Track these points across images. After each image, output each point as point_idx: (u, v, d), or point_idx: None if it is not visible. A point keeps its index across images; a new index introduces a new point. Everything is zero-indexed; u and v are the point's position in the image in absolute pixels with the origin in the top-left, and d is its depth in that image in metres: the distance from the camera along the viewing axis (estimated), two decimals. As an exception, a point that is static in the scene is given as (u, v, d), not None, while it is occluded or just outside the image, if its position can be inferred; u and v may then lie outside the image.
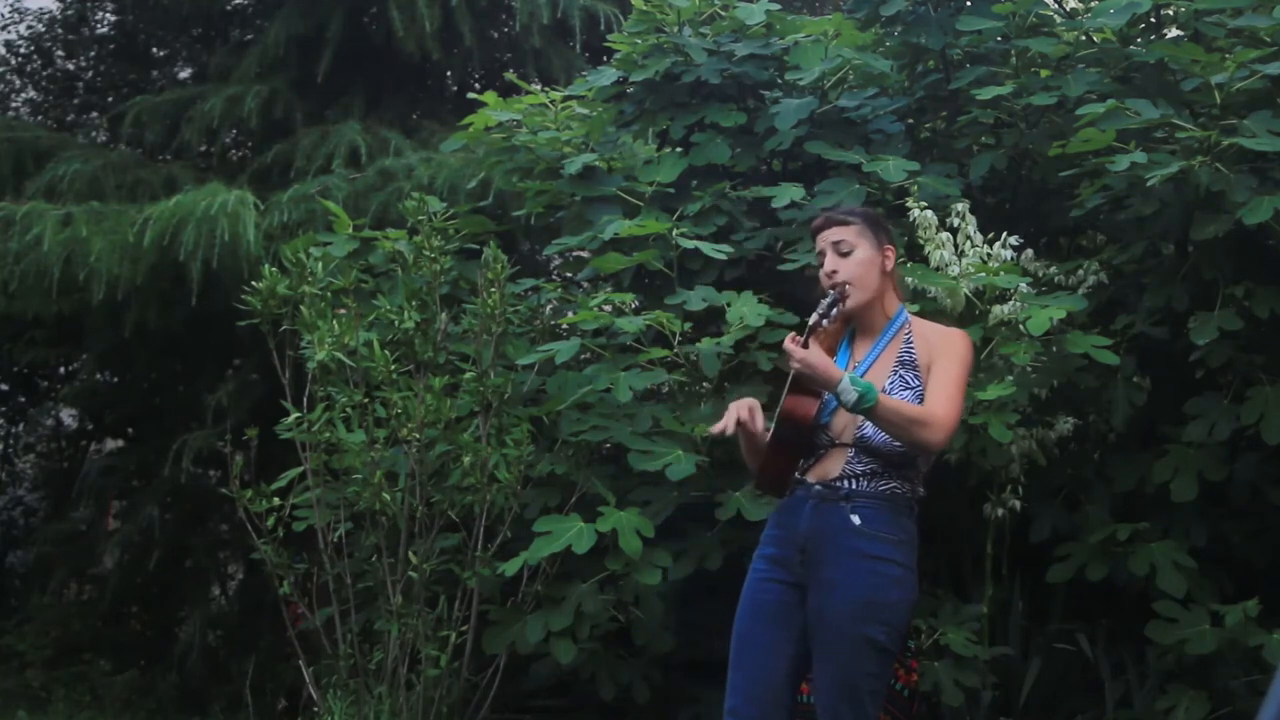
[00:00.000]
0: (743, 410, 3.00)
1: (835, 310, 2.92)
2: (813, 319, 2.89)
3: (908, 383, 2.98)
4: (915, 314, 3.21)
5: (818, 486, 2.99)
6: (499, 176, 5.25)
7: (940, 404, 2.92)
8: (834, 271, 3.03)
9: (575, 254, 5.49)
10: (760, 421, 3.02)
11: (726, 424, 2.98)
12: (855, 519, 2.92)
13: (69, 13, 8.57)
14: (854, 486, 2.95)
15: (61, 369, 8.40)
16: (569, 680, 4.56)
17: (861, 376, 2.97)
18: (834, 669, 2.90)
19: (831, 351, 3.04)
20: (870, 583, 2.89)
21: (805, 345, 2.85)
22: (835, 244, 3.05)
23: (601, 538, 4.09)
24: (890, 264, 3.09)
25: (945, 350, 3.00)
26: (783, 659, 2.96)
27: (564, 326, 4.79)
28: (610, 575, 4.25)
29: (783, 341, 2.91)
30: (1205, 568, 4.22)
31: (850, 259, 3.04)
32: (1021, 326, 4.13)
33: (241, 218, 5.30)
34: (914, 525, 3.01)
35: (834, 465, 2.98)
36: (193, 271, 5.29)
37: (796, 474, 3.03)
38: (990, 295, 4.27)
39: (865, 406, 2.81)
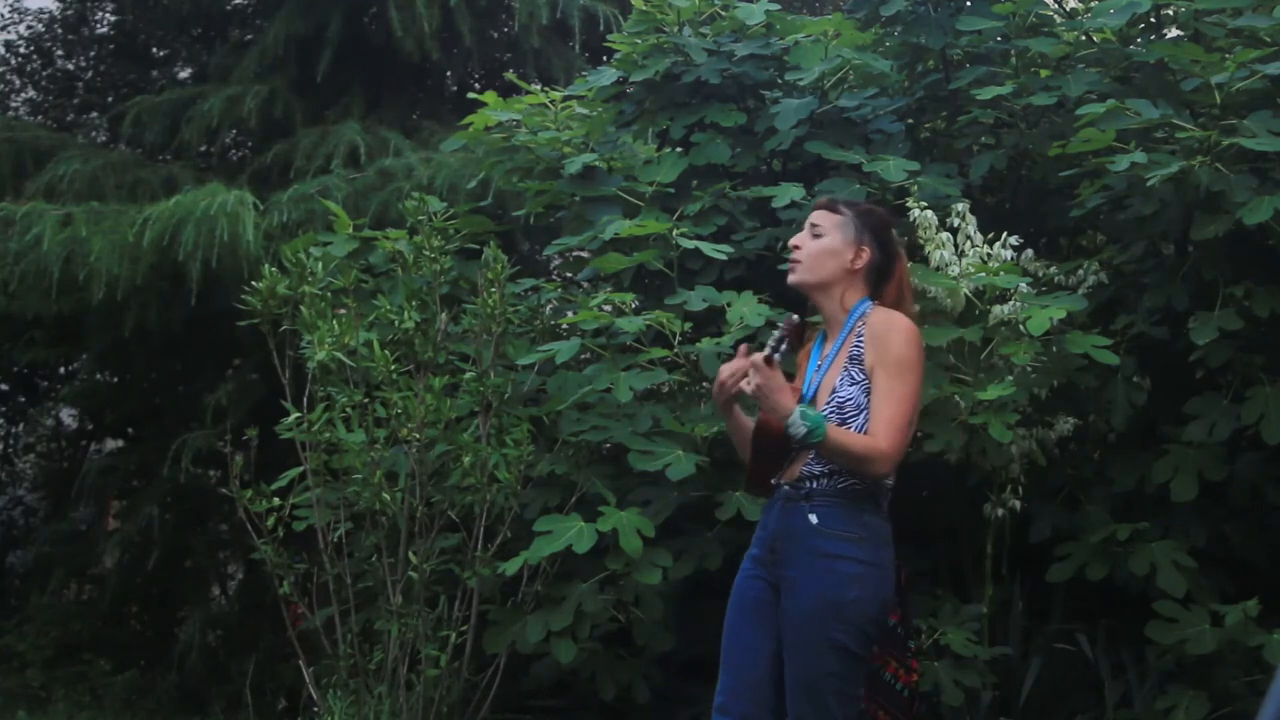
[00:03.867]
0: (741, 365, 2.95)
1: (785, 344, 2.92)
2: (766, 352, 2.87)
3: (853, 378, 2.98)
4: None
5: (786, 487, 3.02)
6: (499, 176, 5.24)
7: (884, 432, 2.90)
8: (796, 247, 3.09)
9: (575, 254, 5.49)
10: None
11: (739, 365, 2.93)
12: (813, 518, 2.94)
13: (69, 13, 8.57)
14: (814, 486, 2.97)
15: (61, 369, 8.40)
16: (569, 680, 4.56)
17: (823, 375, 3.01)
18: (796, 669, 2.92)
19: (808, 342, 3.10)
20: (827, 581, 2.90)
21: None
22: (813, 225, 3.10)
23: (602, 537, 4.09)
24: (860, 263, 3.07)
25: (883, 355, 2.95)
26: (765, 656, 2.99)
27: (564, 326, 4.78)
28: (610, 575, 4.24)
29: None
30: (1205, 568, 4.22)
31: (816, 243, 3.08)
32: (1021, 326, 4.13)
33: (241, 218, 5.31)
34: (880, 519, 2.99)
35: (799, 466, 3.01)
36: (192, 271, 5.29)
37: (776, 476, 3.06)
38: (990, 295, 4.27)
39: (812, 442, 2.84)
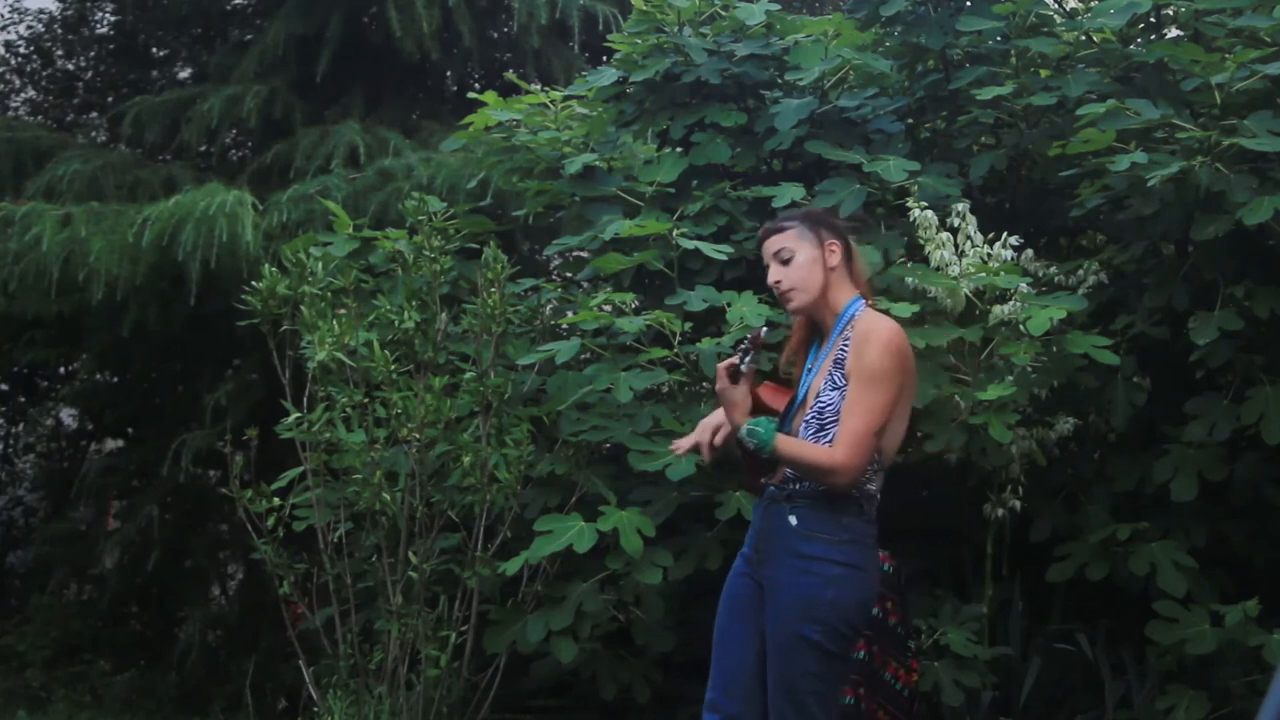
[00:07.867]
0: (705, 434, 3.12)
1: (750, 356, 2.94)
2: (733, 359, 2.93)
3: (835, 383, 2.97)
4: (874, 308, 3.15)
5: (771, 488, 3.03)
6: (499, 176, 5.24)
7: (844, 443, 2.88)
8: (778, 281, 3.06)
9: (575, 254, 5.49)
10: (722, 437, 3.10)
11: (682, 445, 3.19)
12: (792, 519, 2.95)
13: (69, 13, 8.58)
14: (795, 487, 2.98)
15: (61, 369, 8.41)
16: (569, 680, 4.56)
17: (811, 379, 3.02)
18: (776, 668, 2.93)
19: (805, 347, 3.11)
20: (804, 581, 2.90)
21: (735, 382, 2.92)
22: (776, 253, 3.07)
23: (602, 537, 4.09)
24: (835, 259, 3.06)
25: (858, 364, 2.94)
26: (753, 653, 3.00)
27: (564, 326, 4.78)
28: (611, 575, 4.25)
29: (780, 342, 2.91)
30: (1205, 568, 4.22)
31: (791, 265, 3.05)
32: (1021, 326, 4.13)
33: (240, 218, 5.31)
34: (861, 522, 2.96)
35: (784, 468, 3.02)
36: (192, 271, 5.29)
37: (766, 476, 3.07)
38: (990, 295, 4.27)
39: (764, 455, 2.89)
